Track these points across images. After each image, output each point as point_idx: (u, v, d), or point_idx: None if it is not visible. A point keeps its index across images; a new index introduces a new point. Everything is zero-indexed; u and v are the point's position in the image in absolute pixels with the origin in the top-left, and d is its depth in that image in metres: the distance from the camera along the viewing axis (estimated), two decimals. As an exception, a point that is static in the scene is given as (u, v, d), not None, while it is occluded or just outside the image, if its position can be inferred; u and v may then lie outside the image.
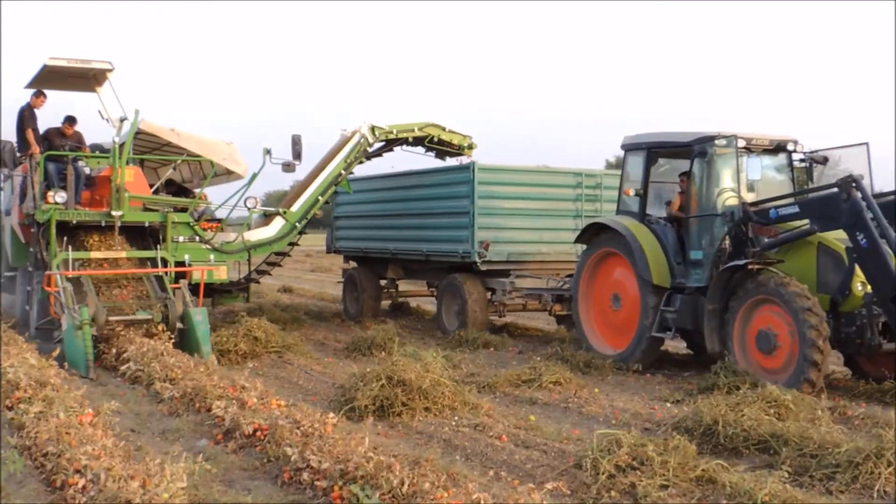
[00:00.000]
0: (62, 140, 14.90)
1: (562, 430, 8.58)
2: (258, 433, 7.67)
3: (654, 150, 12.85)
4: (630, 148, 13.23)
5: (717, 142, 11.54)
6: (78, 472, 6.22)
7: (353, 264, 20.53)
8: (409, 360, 9.97)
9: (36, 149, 14.34)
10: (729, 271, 11.12)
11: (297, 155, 15.84)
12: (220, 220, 15.75)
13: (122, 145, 13.91)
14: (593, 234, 13.34)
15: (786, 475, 6.53)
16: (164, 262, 13.88)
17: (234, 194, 15.32)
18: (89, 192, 14.76)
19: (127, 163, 14.07)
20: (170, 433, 8.27)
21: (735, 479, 6.42)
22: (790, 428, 7.80)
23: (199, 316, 12.71)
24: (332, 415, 7.97)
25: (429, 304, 20.01)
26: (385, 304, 20.16)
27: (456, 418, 9.03)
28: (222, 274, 14.81)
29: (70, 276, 12.81)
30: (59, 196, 13.59)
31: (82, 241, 14.08)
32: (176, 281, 13.64)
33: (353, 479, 6.08)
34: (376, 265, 19.32)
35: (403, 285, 20.09)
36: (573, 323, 14.35)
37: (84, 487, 6.02)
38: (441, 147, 18.02)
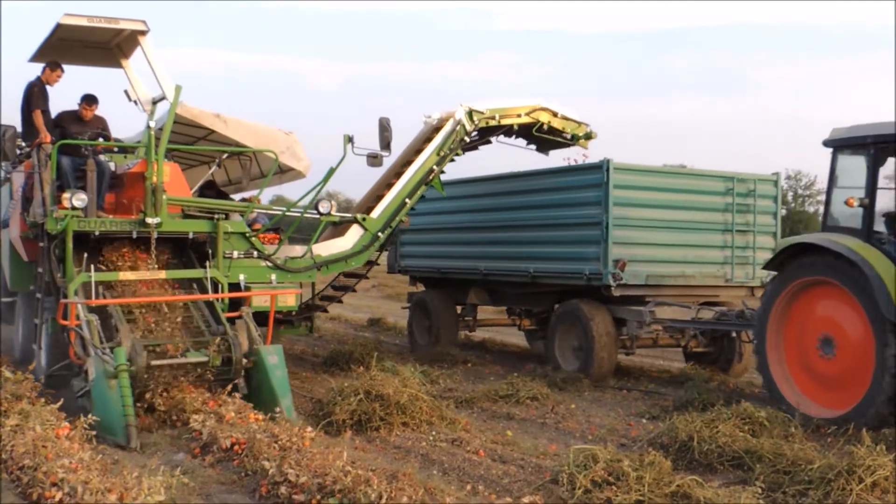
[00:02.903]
0: (79, 126, 11.69)
1: (539, 446, 8.64)
2: (236, 447, 7.68)
3: (883, 147, 9.70)
4: (844, 144, 10.11)
5: None
6: (55, 485, 6.21)
7: (420, 287, 17.38)
8: (387, 374, 10.01)
9: (47, 136, 11.15)
10: None
11: (387, 144, 12.63)
12: (277, 230, 12.76)
13: (159, 132, 10.86)
14: (788, 256, 10.25)
15: (759, 491, 6.61)
16: (215, 285, 10.69)
17: (306, 194, 12.30)
18: (114, 193, 11.67)
19: (165, 156, 11.04)
20: (147, 447, 8.27)
21: (709, 495, 6.48)
22: (764, 444, 7.87)
23: (275, 357, 9.62)
24: (309, 429, 8.01)
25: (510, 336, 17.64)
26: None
27: (433, 433, 9.07)
28: (291, 300, 11.61)
29: (94, 304, 9.65)
30: (78, 199, 10.36)
31: (107, 257, 10.90)
32: (230, 309, 10.52)
33: (331, 493, 6.11)
34: (454, 288, 16.10)
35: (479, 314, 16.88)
36: (712, 361, 13.20)
37: (61, 501, 6.01)
38: (550, 137, 14.63)
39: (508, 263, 14.52)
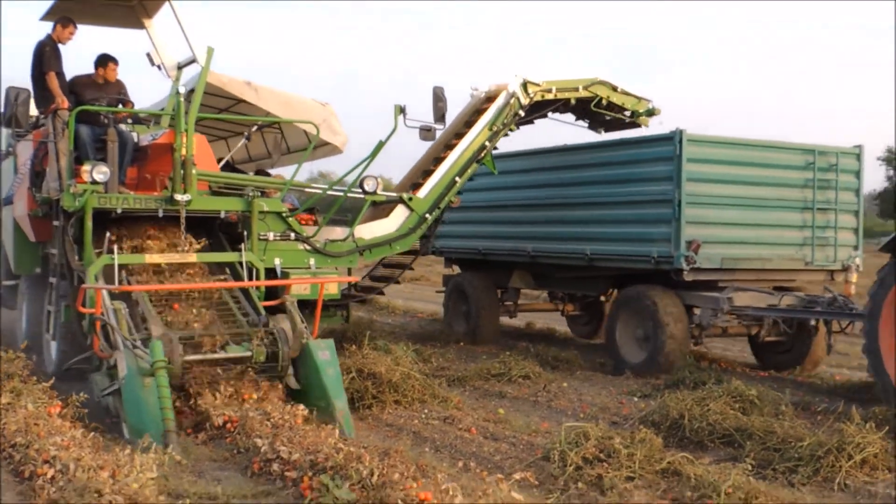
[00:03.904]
0: (96, 92, 10.69)
1: (530, 423, 8.66)
2: (228, 425, 7.68)
3: None
4: None
5: None
6: (47, 462, 6.21)
7: (457, 270, 16.25)
8: (380, 353, 10.04)
9: (64, 101, 10.13)
10: None
11: (441, 116, 11.64)
12: (312, 211, 11.71)
13: (189, 95, 9.97)
14: None
15: (749, 468, 6.65)
16: (249, 270, 9.75)
17: (351, 171, 11.26)
18: (136, 167, 10.63)
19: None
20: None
21: (700, 472, 6.52)
22: (754, 422, 7.92)
23: (326, 353, 8.48)
24: (302, 407, 8.01)
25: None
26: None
27: (426, 411, 9.09)
28: (333, 287, 10.38)
29: (123, 291, 8.66)
30: (99, 172, 9.33)
31: (128, 239, 9.87)
32: (267, 297, 9.55)
33: (323, 470, 6.11)
34: (495, 271, 15.00)
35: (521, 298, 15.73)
36: (783, 352, 12.16)
37: (53, 478, 6.01)
38: (609, 113, 13.76)
39: (560, 244, 13.44)
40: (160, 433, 7.10)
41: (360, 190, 11.07)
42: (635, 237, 12.10)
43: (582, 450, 6.78)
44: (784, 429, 7.68)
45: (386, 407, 9.11)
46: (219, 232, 10.50)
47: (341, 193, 11.37)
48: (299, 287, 9.80)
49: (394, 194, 11.77)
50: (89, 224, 9.28)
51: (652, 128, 13.95)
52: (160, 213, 9.73)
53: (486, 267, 15.17)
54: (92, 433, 7.18)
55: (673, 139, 11.52)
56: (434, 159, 12.53)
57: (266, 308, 9.16)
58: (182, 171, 9.67)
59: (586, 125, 14.44)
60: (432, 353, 12.29)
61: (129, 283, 9.16)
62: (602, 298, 14.40)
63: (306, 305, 9.44)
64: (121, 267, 9.11)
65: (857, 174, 12.69)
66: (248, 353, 8.27)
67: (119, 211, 9.54)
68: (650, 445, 6.89)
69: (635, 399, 10.13)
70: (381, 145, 10.81)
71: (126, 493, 5.41)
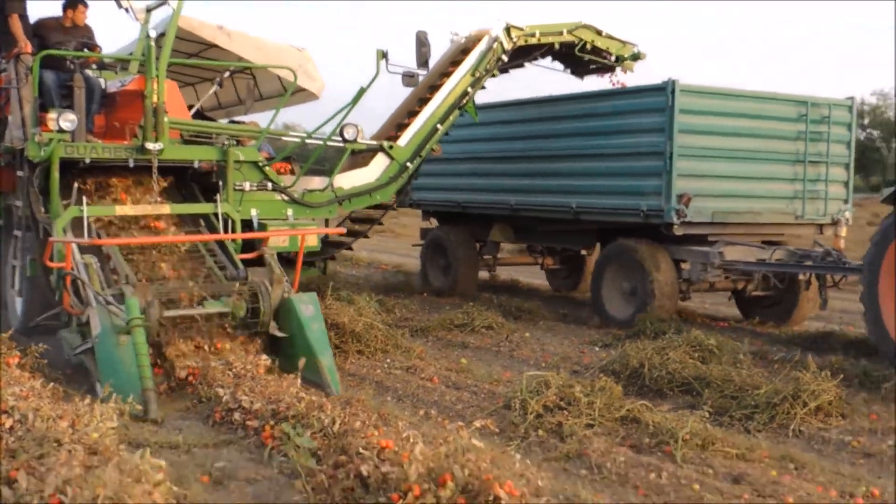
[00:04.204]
0: (62, 35, 10.20)
1: (492, 373, 8.72)
2: (190, 377, 7.66)
3: None
4: None
5: None
6: (5, 412, 6.16)
7: (434, 223, 15.92)
8: (343, 304, 10.04)
9: (27, 45, 9.72)
10: None
11: (424, 62, 11.47)
12: (289, 160, 11.42)
13: (159, 39, 9.34)
14: None
15: (707, 415, 6.74)
16: (226, 222, 9.47)
17: (331, 119, 10.82)
18: (104, 115, 10.23)
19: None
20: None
21: (658, 419, 6.61)
22: (713, 371, 8.03)
23: (310, 307, 8.16)
24: (264, 357, 8.00)
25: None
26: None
27: (388, 361, 9.12)
28: (313, 239, 10.20)
29: (90, 244, 8.28)
30: (66, 120, 8.89)
31: (95, 190, 9.51)
32: (244, 250, 9.26)
33: (285, 419, 6.14)
34: (475, 224, 14.67)
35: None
36: (770, 307, 12.00)
37: (12, 427, 5.96)
38: (593, 58, 13.37)
39: (545, 197, 13.10)
40: (138, 394, 6.79)
41: (339, 138, 10.70)
42: (624, 190, 11.82)
43: (543, 398, 6.85)
44: (741, 377, 7.80)
45: (349, 357, 9.13)
46: (191, 183, 10.11)
47: (319, 142, 11.06)
48: (277, 239, 9.57)
49: (374, 142, 11.42)
50: (56, 175, 8.88)
51: (637, 75, 13.76)
52: (131, 163, 9.35)
53: (465, 220, 14.91)
54: (51, 384, 7.12)
55: (665, 89, 11.18)
56: (410, 110, 12.22)
57: (243, 262, 8.91)
58: (154, 119, 9.25)
59: (568, 72, 14.13)
60: (395, 304, 12.31)
61: (98, 236, 8.81)
62: (583, 252, 14.23)
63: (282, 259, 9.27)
64: (89, 219, 8.80)
65: (849, 127, 12.50)
66: (227, 309, 7.96)
67: (87, 161, 9.13)
68: (610, 394, 6.97)
69: (596, 348, 10.23)
70: (362, 91, 10.48)
71: (86, 442, 5.37)
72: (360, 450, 5.26)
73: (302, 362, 7.36)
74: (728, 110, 11.63)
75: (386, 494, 4.75)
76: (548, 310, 12.62)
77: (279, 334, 8.17)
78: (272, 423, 6.19)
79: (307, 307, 8.14)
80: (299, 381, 7.14)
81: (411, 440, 5.21)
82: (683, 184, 11.13)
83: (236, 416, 6.58)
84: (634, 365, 8.28)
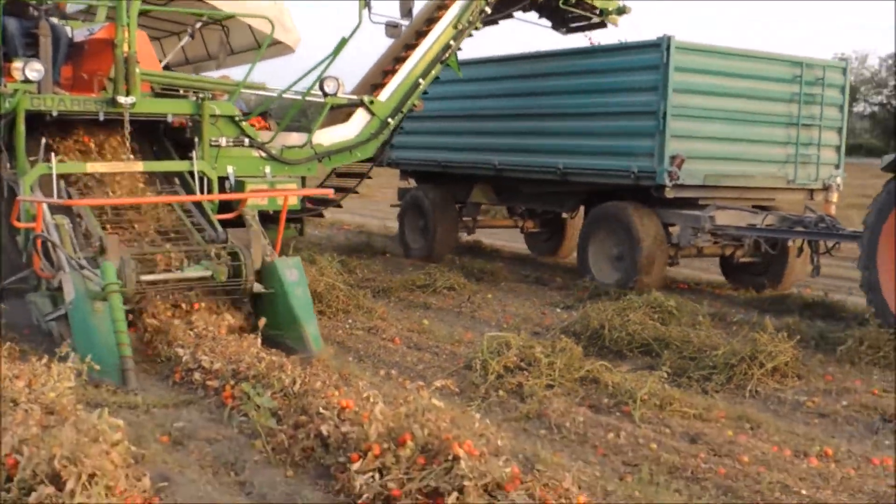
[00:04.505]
0: None
1: (454, 334, 8.74)
2: (151, 337, 7.59)
3: None
4: None
5: None
6: (-40, 372, 6.09)
7: (412, 183, 15.48)
8: (305, 263, 9.95)
9: None
10: None
11: (408, 11, 10.94)
12: (264, 115, 10.87)
13: None
14: None
15: (665, 376, 6.82)
16: (202, 181, 9.07)
17: (310, 72, 10.14)
18: (71, 65, 9.71)
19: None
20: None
21: (617, 379, 6.68)
22: (672, 332, 8.13)
23: (294, 272, 7.82)
24: (227, 315, 7.93)
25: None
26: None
27: (350, 321, 9.11)
28: (293, 198, 9.49)
29: (65, 204, 7.92)
30: (33, 70, 8.38)
31: (64, 145, 9.02)
32: (221, 210, 8.84)
33: (245, 379, 6.12)
34: (455, 185, 14.29)
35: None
36: (757, 273, 11.73)
37: (-33, 387, 5.91)
38: (578, 11, 12.90)
39: (530, 157, 12.64)
40: (115, 365, 6.54)
41: (319, 92, 10.13)
42: (614, 151, 11.43)
43: (503, 359, 6.88)
44: (700, 338, 7.89)
45: (310, 317, 9.09)
46: (164, 139, 9.64)
47: (296, 96, 10.51)
48: (254, 202, 9.07)
49: (354, 97, 10.86)
50: (22, 128, 8.38)
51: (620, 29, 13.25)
52: (101, 117, 8.84)
53: (445, 180, 14.44)
54: (8, 343, 7.05)
55: (660, 46, 10.77)
56: (391, 63, 11.67)
57: (221, 222, 8.49)
58: (125, 71, 8.71)
59: (554, 28, 13.67)
60: (357, 265, 12.27)
61: (68, 194, 8.40)
62: (565, 216, 13.88)
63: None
64: (58, 177, 8.32)
65: (843, 90, 12.24)
66: (208, 273, 7.55)
67: (55, 114, 8.61)
68: (570, 354, 7.02)
69: (558, 310, 10.28)
70: (343, 42, 9.92)
71: (42, 402, 5.34)
72: (321, 410, 5.27)
73: (262, 321, 7.33)
74: (723, 69, 11.28)
75: (346, 454, 4.77)
76: (510, 271, 12.66)
77: (264, 290, 7.79)
78: (232, 383, 6.17)
79: (291, 272, 7.79)
80: (259, 341, 7.11)
81: (372, 400, 5.22)
82: (676, 145, 10.80)
83: (196, 376, 6.55)
84: (595, 326, 8.33)
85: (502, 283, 11.97)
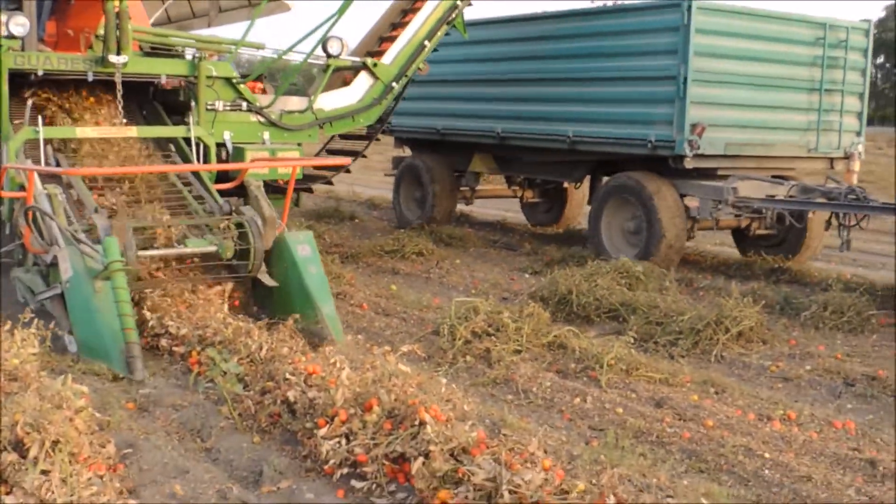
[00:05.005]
0: None
1: (422, 300, 8.73)
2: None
3: None
4: None
5: None
6: (-79, 339, 6.01)
7: (407, 151, 14.79)
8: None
9: None
10: None
11: None
12: (260, 79, 10.03)
13: None
14: None
15: (632, 340, 6.87)
16: (199, 146, 8.51)
17: (309, 34, 9.48)
18: (55, 21, 9.10)
19: None
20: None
21: (584, 344, 6.72)
22: (639, 297, 8.16)
23: (306, 247, 7.14)
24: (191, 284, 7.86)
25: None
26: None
27: (318, 287, 9.06)
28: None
29: (49, 173, 7.28)
30: (17, 24, 7.75)
31: (52, 108, 8.47)
32: (219, 179, 8.27)
33: (212, 345, 6.09)
34: (454, 153, 13.58)
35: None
36: (774, 246, 11.15)
37: (-71, 354, 5.83)
38: None
39: (537, 125, 11.95)
40: (119, 350, 6.00)
41: (322, 54, 9.50)
42: (629, 118, 10.75)
43: (471, 324, 6.88)
44: (667, 303, 7.93)
45: (277, 283, 9.04)
46: (153, 101, 9.13)
47: (297, 58, 9.88)
48: (256, 171, 8.43)
49: (357, 59, 10.16)
50: (5, 88, 7.81)
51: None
52: (90, 77, 8.23)
53: (443, 148, 13.73)
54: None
55: (680, 7, 10.11)
56: (392, 23, 10.89)
57: (220, 193, 7.87)
58: (117, 27, 7.97)
59: None
60: (326, 230, 12.24)
61: (56, 161, 7.83)
62: (565, 185, 13.55)
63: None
64: (46, 142, 7.75)
65: (865, 52, 11.58)
66: (213, 249, 6.90)
67: (40, 73, 8.01)
68: (538, 320, 7.04)
69: (526, 275, 10.31)
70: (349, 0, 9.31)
71: (6, 368, 5.28)
72: (287, 375, 5.26)
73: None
74: (746, 31, 10.61)
75: (312, 420, 4.77)
76: (479, 237, 12.66)
77: (271, 283, 7.14)
78: (199, 348, 6.14)
79: (303, 247, 7.09)
80: (225, 307, 7.06)
81: (338, 366, 5.22)
82: (697, 112, 10.16)
83: (163, 342, 6.51)
84: (563, 291, 8.34)
85: (471, 249, 11.97)
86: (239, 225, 7.09)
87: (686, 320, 7.35)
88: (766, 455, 4.98)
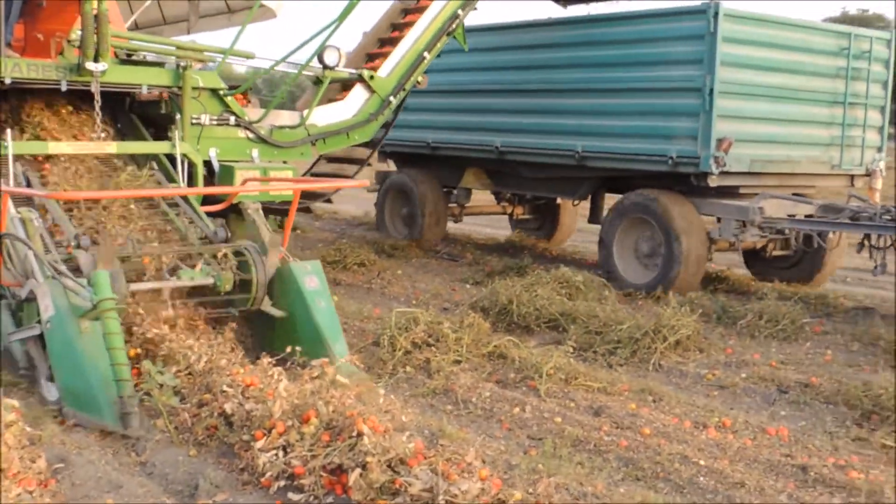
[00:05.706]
0: None
1: (363, 310, 8.70)
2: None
3: None
4: None
5: None
6: None
7: (392, 166, 13.97)
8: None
9: None
10: None
11: None
12: (246, 93, 9.18)
13: None
14: None
15: (571, 350, 6.93)
16: (184, 165, 7.82)
17: (305, 44, 8.84)
18: (24, 24, 8.21)
19: None
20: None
21: (524, 354, 6.75)
22: (579, 307, 8.21)
23: (314, 279, 6.41)
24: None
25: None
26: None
27: (258, 298, 8.99)
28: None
29: (24, 196, 6.59)
30: None
31: (22, 121, 7.80)
32: (205, 202, 7.55)
33: (151, 358, 5.99)
34: (444, 168, 12.90)
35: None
36: (787, 268, 10.55)
37: None
38: None
39: (541, 139, 11.23)
40: (109, 402, 5.19)
41: (318, 65, 8.81)
42: (647, 132, 10.08)
43: (411, 334, 6.88)
44: (606, 313, 7.99)
45: (217, 294, 8.94)
46: (129, 113, 8.46)
47: (290, 69, 9.16)
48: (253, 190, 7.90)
49: (353, 70, 9.51)
50: None
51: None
52: (63, 87, 7.54)
53: (432, 163, 13.04)
54: None
55: (706, 13, 9.48)
56: (386, 34, 10.40)
57: (209, 216, 7.22)
58: (95, 33, 7.26)
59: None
60: (267, 241, 12.10)
61: (27, 180, 7.06)
62: (559, 202, 13.13)
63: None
64: (17, 160, 7.03)
65: (887, 64, 11.00)
66: (210, 281, 6.18)
67: (8, 81, 7.28)
68: (478, 330, 7.07)
69: (467, 286, 10.33)
70: (352, 6, 8.58)
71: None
72: (225, 387, 5.21)
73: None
74: (773, 41, 10.01)
75: (250, 432, 4.74)
76: (421, 247, 12.66)
77: (278, 314, 6.46)
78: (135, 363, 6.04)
79: (311, 279, 6.39)
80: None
81: (276, 377, 5.19)
82: (724, 126, 9.53)
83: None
84: (503, 301, 8.37)
85: (413, 260, 11.97)
86: (237, 253, 6.50)
87: (625, 329, 7.43)
88: (702, 462, 5.04)
